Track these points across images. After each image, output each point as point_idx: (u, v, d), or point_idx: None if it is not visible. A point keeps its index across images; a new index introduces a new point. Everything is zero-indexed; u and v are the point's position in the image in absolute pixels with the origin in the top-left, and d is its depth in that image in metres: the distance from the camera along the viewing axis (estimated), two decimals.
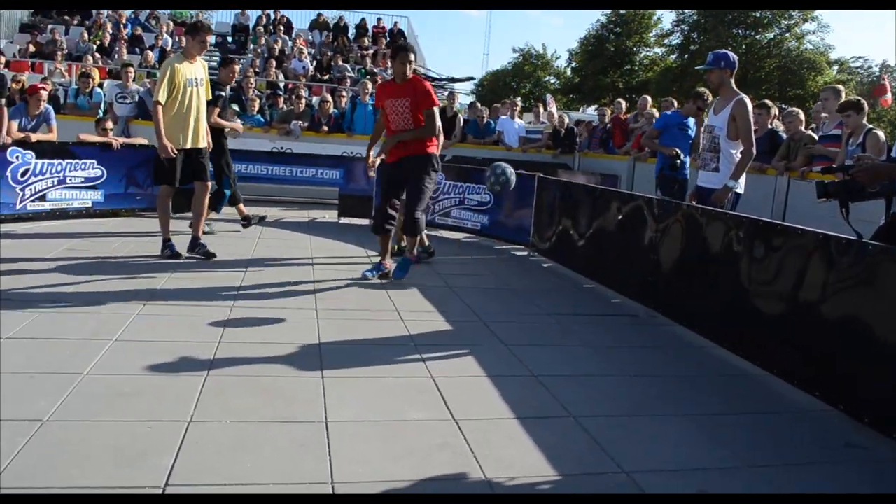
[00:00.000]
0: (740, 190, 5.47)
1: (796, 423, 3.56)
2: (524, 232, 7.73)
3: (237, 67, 8.37)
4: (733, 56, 5.55)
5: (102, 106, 11.01)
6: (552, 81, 44.70)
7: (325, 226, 8.94)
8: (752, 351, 4.21)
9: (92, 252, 6.32)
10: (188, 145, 6.24)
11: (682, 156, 7.39)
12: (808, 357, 3.75)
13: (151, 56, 15.95)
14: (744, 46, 36.22)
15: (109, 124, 8.72)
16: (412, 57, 5.86)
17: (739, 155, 5.40)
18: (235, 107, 10.96)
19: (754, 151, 5.50)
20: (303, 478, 2.65)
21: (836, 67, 37.87)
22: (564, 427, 3.30)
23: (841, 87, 8.96)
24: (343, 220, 9.23)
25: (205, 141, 6.47)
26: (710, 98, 6.96)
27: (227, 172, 7.77)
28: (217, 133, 7.30)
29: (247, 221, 8.19)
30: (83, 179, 8.08)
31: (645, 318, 5.35)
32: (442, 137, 5.95)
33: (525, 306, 5.44)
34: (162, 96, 5.97)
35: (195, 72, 6.20)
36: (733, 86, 5.48)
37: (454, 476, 2.75)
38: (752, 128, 5.45)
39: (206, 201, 6.62)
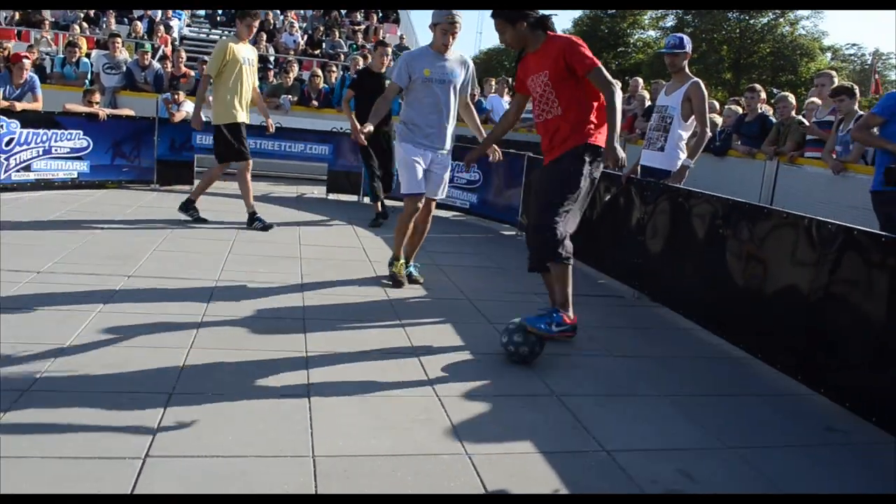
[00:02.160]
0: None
1: (777, 406, 3.58)
2: (513, 211, 7.72)
3: (389, 50, 7.53)
4: None
5: (89, 76, 10.88)
6: None
7: (313, 202, 8.90)
8: (736, 334, 4.24)
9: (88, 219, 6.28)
10: (243, 119, 6.55)
11: None
12: (791, 341, 3.77)
13: (140, 26, 15.75)
14: (738, 31, 36.16)
15: (97, 97, 8.60)
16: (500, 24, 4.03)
17: (685, 135, 5.52)
18: None
19: (709, 133, 5.63)
20: (284, 450, 2.65)
21: (829, 54, 37.87)
22: (547, 405, 3.32)
23: (834, 72, 8.97)
24: (331, 196, 9.19)
25: (248, 118, 6.73)
26: None
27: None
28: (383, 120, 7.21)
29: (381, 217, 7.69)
30: (69, 150, 7.99)
31: (631, 300, 5.38)
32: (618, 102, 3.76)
33: (511, 285, 5.45)
34: (212, 70, 6.34)
35: (247, 52, 6.55)
36: (687, 69, 5.60)
37: (434, 451, 2.76)
38: (707, 110, 5.55)
39: (219, 176, 6.88)
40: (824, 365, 3.54)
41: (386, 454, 2.70)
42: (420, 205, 5.01)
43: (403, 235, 5.14)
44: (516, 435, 2.98)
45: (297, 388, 3.23)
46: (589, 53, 3.78)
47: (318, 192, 9.54)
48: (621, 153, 3.62)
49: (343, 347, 3.82)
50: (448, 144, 5.06)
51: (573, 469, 2.73)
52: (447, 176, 5.16)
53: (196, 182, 7.92)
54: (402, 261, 5.20)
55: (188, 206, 6.80)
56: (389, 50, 7.46)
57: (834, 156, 6.76)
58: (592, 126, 3.89)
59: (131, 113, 8.90)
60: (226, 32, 18.74)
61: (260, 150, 9.34)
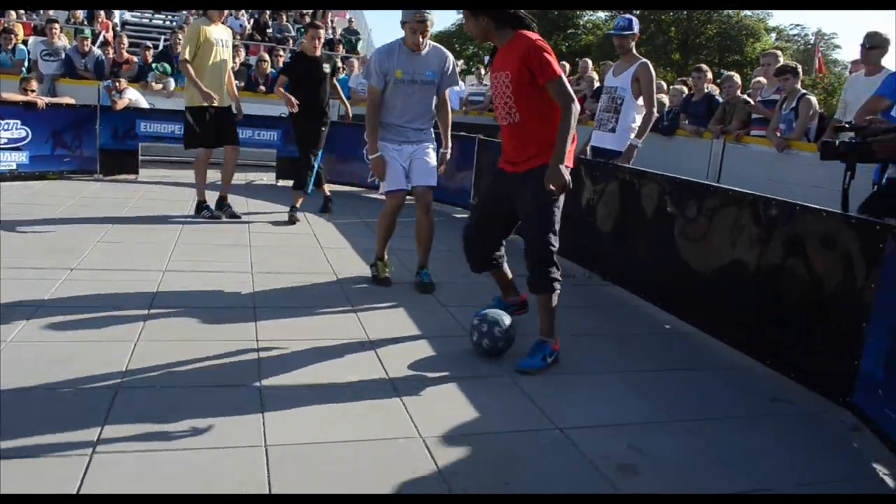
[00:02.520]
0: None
1: (726, 379, 3.66)
2: (465, 194, 7.72)
3: (322, 33, 6.96)
4: None
5: (26, 63, 10.51)
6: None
7: (262, 189, 8.77)
8: (685, 310, 4.31)
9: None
10: (217, 103, 6.30)
11: None
12: (737, 315, 3.85)
13: (79, 11, 15.25)
14: (685, 12, 36.58)
15: (34, 84, 8.31)
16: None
17: (637, 116, 5.57)
18: (167, 66, 10.63)
19: (655, 113, 5.68)
20: (236, 441, 2.61)
21: (773, 34, 38.61)
22: (501, 386, 3.33)
23: (780, 52, 9.15)
24: (281, 183, 9.06)
25: (230, 101, 6.54)
26: None
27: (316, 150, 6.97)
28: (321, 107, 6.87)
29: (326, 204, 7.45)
30: (6, 140, 7.73)
31: (582, 279, 5.42)
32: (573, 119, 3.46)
33: (463, 268, 5.40)
34: (188, 54, 6.11)
35: (220, 33, 6.38)
36: (635, 50, 5.65)
37: (388, 437, 2.76)
38: (655, 91, 5.62)
39: (234, 164, 6.73)
40: (770, 338, 3.62)
41: (340, 441, 2.69)
42: (400, 201, 4.76)
43: (385, 233, 4.89)
44: (470, 416, 2.98)
45: (248, 378, 3.18)
46: (554, 61, 3.49)
47: (267, 178, 9.41)
48: (567, 177, 3.41)
49: (295, 335, 3.78)
50: (426, 136, 4.81)
51: (526, 447, 2.75)
52: (432, 160, 4.79)
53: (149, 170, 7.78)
54: (385, 261, 4.98)
55: (200, 209, 6.65)
56: (322, 32, 6.98)
57: (778, 134, 6.89)
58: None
59: (72, 101, 8.63)
60: (169, 17, 18.30)
61: None
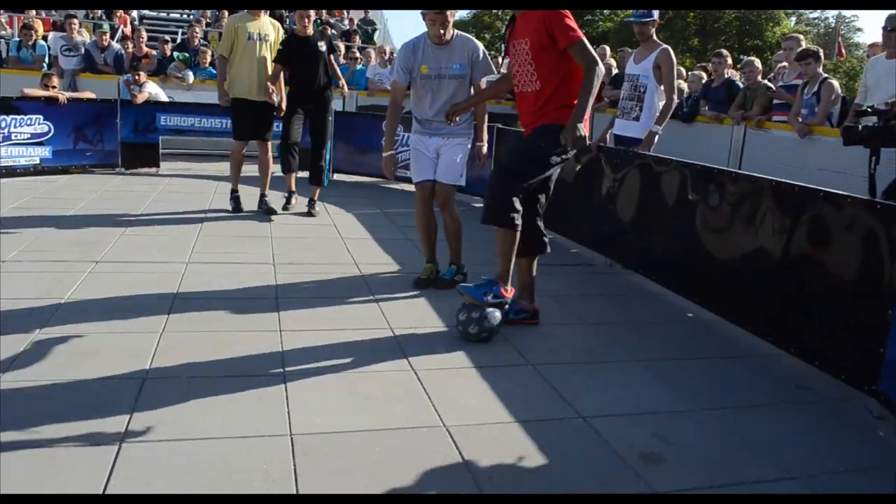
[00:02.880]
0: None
1: (748, 366, 3.64)
2: (483, 183, 7.68)
3: (310, 11, 6.48)
4: None
5: (47, 59, 10.60)
6: None
7: (279, 180, 8.78)
8: (707, 297, 4.29)
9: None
10: (254, 97, 6.35)
11: None
12: (760, 302, 3.82)
13: None
14: None
15: (55, 81, 8.38)
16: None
17: (660, 104, 5.51)
18: (187, 54, 10.68)
19: (676, 99, 5.63)
20: (261, 431, 2.64)
21: (793, 18, 38.14)
22: (522, 375, 3.34)
23: (801, 36, 9.04)
24: (299, 174, 9.07)
25: (271, 97, 6.39)
26: None
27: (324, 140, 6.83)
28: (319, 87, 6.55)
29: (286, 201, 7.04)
30: (29, 136, 7.81)
31: (603, 268, 5.41)
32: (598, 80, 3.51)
33: (483, 257, 5.43)
34: (223, 50, 6.33)
35: (260, 28, 6.35)
36: (655, 36, 5.60)
37: (412, 425, 2.77)
38: (676, 78, 5.57)
39: (269, 159, 6.78)
40: (794, 326, 3.60)
41: (363, 430, 2.71)
42: (424, 192, 4.61)
43: (422, 232, 4.77)
44: (493, 405, 2.99)
45: (272, 368, 3.21)
46: (574, 24, 3.52)
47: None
48: (581, 132, 3.43)
49: (317, 325, 3.80)
50: (460, 130, 4.58)
51: (550, 436, 2.75)
52: (458, 157, 4.59)
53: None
54: (429, 265, 4.77)
55: (231, 198, 6.76)
56: (311, 11, 6.47)
57: (800, 119, 6.82)
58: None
59: (92, 96, 8.71)
60: (185, 12, 18.36)
61: (224, 129, 9.20)
